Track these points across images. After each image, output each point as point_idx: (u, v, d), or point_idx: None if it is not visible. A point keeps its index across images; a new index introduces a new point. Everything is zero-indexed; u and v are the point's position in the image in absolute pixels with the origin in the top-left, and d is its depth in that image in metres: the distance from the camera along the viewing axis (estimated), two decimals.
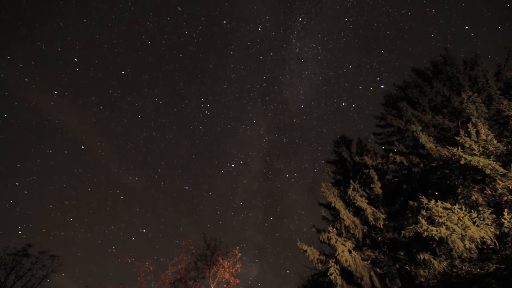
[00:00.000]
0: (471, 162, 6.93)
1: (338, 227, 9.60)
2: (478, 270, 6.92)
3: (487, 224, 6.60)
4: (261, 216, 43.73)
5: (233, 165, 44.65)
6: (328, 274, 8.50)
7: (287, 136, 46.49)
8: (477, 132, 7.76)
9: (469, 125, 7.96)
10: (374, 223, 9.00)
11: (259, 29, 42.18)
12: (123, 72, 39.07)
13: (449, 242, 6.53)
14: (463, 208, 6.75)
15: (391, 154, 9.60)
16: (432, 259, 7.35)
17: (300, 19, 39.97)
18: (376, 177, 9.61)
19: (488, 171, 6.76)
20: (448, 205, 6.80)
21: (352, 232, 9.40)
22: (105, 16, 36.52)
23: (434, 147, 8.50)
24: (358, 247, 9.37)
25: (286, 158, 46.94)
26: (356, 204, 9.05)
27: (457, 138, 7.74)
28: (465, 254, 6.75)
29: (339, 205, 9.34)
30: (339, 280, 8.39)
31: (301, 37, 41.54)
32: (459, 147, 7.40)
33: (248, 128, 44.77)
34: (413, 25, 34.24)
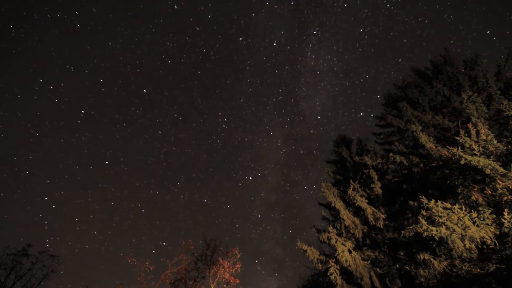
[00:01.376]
0: (471, 162, 6.93)
1: (338, 227, 9.59)
2: (478, 270, 6.92)
3: (487, 224, 6.60)
4: (279, 229, 43.48)
5: (250, 178, 44.93)
6: (328, 274, 8.50)
7: (304, 148, 46.58)
8: (477, 132, 7.76)
9: (469, 125, 7.95)
10: (374, 223, 9.00)
11: (274, 44, 43.11)
12: (144, 91, 42.63)
13: (449, 242, 6.53)
14: (463, 208, 6.75)
15: (391, 154, 9.60)
16: (432, 259, 7.35)
17: (314, 32, 40.43)
18: (376, 177, 9.60)
19: (488, 171, 6.76)
20: (448, 205, 6.80)
21: (352, 232, 9.39)
22: (128, 39, 39.92)
23: (434, 147, 8.50)
24: (358, 247, 9.37)
25: (304, 170, 46.90)
26: (356, 204, 9.04)
27: (457, 138, 7.74)
28: (465, 254, 6.75)
29: (339, 205, 9.34)
30: (339, 280, 8.38)
31: (316, 50, 42.07)
32: (459, 147, 7.40)
33: (265, 141, 45.34)
34: (430, 32, 34.08)
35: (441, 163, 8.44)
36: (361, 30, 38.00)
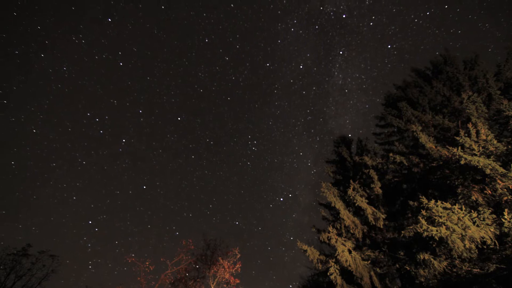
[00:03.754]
0: (471, 162, 6.93)
1: (338, 227, 9.59)
2: (478, 270, 6.92)
3: (487, 224, 6.60)
4: None
5: (281, 199, 44.87)
6: (328, 274, 8.50)
7: None
8: (477, 132, 7.75)
9: (469, 125, 7.95)
10: (374, 223, 9.00)
11: (301, 67, 44.00)
12: (179, 118, 46.29)
13: (449, 242, 6.53)
14: (463, 208, 6.75)
15: (391, 154, 9.60)
16: (432, 259, 7.35)
17: (341, 53, 40.56)
18: (376, 177, 9.60)
19: (488, 171, 6.76)
20: (448, 205, 6.80)
21: (352, 232, 9.39)
22: (164, 73, 44.13)
23: (434, 147, 8.50)
24: (358, 247, 9.37)
25: None
26: (356, 204, 9.04)
27: (457, 138, 7.74)
28: (465, 254, 6.75)
29: (339, 205, 9.34)
30: (339, 280, 8.38)
31: (343, 69, 41.82)
32: (459, 147, 7.40)
33: (295, 161, 45.71)
34: (465, 42, 33.27)
35: (441, 163, 8.44)
36: (389, 46, 37.56)
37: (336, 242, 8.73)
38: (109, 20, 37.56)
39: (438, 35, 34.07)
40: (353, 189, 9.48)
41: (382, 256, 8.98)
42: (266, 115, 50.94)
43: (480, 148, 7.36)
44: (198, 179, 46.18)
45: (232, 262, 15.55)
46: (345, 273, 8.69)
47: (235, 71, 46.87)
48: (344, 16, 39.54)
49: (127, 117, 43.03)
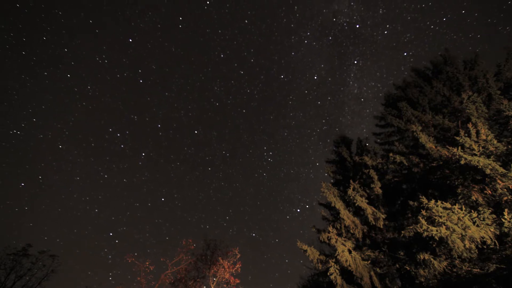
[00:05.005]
0: (471, 162, 6.93)
1: (338, 227, 9.59)
2: (478, 270, 6.92)
3: (487, 224, 6.60)
4: None
5: (298, 210, 44.49)
6: (328, 274, 8.50)
7: None
8: (477, 132, 7.75)
9: (469, 125, 7.95)
10: (374, 223, 9.00)
11: (315, 77, 44.14)
12: (196, 132, 47.68)
13: (449, 242, 6.53)
14: (463, 208, 6.75)
15: (391, 154, 9.60)
16: (432, 259, 7.35)
17: (355, 62, 40.30)
18: (376, 177, 9.60)
19: (488, 171, 6.76)
20: (448, 205, 6.80)
21: (352, 232, 9.39)
22: (182, 88, 46.15)
23: (434, 147, 8.50)
24: (358, 247, 9.37)
25: None
26: (356, 204, 9.04)
27: (457, 138, 7.74)
28: (465, 254, 6.75)
29: (339, 205, 9.34)
30: (339, 280, 8.38)
31: (358, 78, 41.56)
32: (459, 147, 7.40)
33: (311, 172, 45.60)
34: (485, 47, 32.96)
35: (441, 163, 8.44)
36: (405, 54, 36.88)
37: (336, 242, 8.73)
38: (130, 40, 40.46)
39: (457, 40, 33.51)
40: (353, 189, 9.48)
41: (382, 256, 8.98)
42: (281, 126, 51.08)
43: (480, 148, 7.36)
44: (215, 191, 46.85)
45: (232, 262, 15.57)
46: (345, 273, 8.68)
47: (250, 84, 48.46)
48: (357, 26, 39.32)
49: (147, 131, 45.84)
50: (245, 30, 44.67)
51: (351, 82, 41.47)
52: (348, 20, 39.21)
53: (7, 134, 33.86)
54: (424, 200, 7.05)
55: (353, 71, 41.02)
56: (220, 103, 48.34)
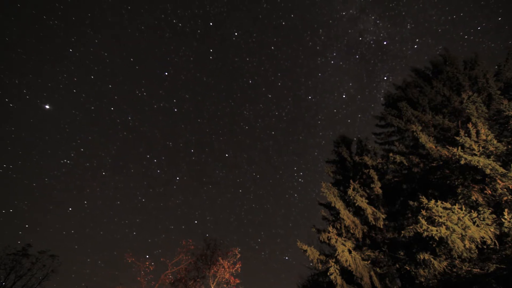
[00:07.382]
0: (471, 162, 6.93)
1: (338, 227, 9.59)
2: (478, 270, 6.92)
3: (487, 224, 6.60)
4: None
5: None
6: (328, 274, 8.50)
7: None
8: (477, 132, 7.75)
9: (469, 125, 7.95)
10: (374, 223, 9.00)
11: (344, 96, 44.30)
12: (226, 155, 50.13)
13: (449, 242, 6.53)
14: (463, 208, 6.75)
15: (391, 154, 9.59)
16: (432, 259, 7.35)
17: (385, 78, 40.20)
18: (376, 177, 9.60)
19: (488, 171, 6.76)
20: (448, 205, 6.80)
21: (352, 232, 9.39)
22: (213, 114, 49.16)
23: (434, 147, 8.50)
24: (358, 247, 9.37)
25: None
26: (356, 204, 9.04)
27: (457, 138, 7.73)
28: (465, 254, 6.74)
29: (339, 205, 9.34)
30: (339, 280, 8.38)
31: None
32: (459, 147, 7.40)
33: None
34: None
35: (441, 163, 8.44)
36: None
37: (336, 242, 8.73)
38: (166, 74, 44.39)
39: (495, 48, 32.98)
40: (353, 189, 9.48)
41: (382, 256, 8.98)
42: (311, 146, 51.02)
43: (480, 148, 7.36)
44: (246, 213, 47.44)
45: (232, 262, 15.56)
46: (345, 273, 8.68)
47: (278, 107, 50.02)
48: (385, 43, 39.29)
49: (181, 156, 48.62)
50: (271, 56, 47.06)
51: (381, 98, 41.63)
52: (374, 38, 39.34)
53: (58, 164, 37.77)
54: (424, 200, 7.05)
55: (383, 87, 40.98)
56: (249, 127, 50.67)
